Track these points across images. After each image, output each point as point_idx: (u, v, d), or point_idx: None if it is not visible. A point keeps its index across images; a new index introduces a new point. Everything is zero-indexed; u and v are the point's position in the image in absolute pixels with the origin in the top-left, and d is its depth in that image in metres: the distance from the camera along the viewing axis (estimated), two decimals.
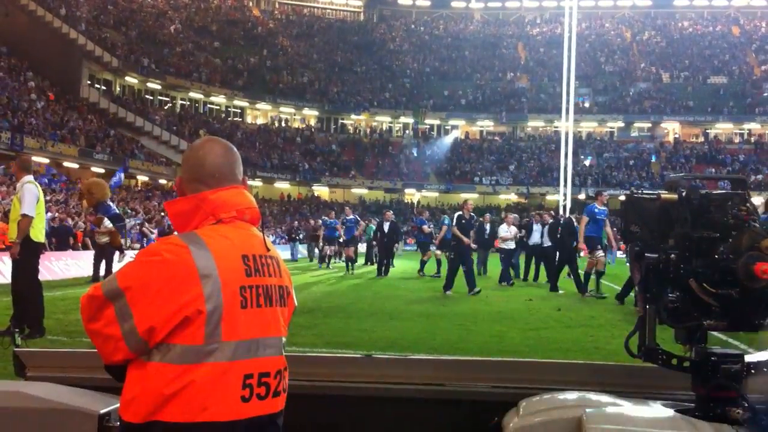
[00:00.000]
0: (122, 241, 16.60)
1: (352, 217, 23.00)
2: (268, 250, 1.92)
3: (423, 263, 20.54)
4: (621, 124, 63.23)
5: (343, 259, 23.17)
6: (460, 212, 14.82)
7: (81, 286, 14.04)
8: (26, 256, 7.68)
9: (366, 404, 2.42)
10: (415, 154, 63.32)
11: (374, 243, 23.25)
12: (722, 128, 61.75)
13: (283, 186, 57.99)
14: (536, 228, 17.99)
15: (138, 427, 1.69)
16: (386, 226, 20.23)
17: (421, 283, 17.95)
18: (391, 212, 22.76)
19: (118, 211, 16.66)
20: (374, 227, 25.03)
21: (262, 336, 1.81)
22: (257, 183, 55.20)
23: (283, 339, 1.90)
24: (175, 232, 1.87)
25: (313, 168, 58.44)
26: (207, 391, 1.68)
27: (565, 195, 37.41)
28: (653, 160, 59.01)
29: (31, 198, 7.63)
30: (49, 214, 19.75)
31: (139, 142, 47.90)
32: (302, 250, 33.25)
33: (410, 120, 65.02)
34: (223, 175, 1.89)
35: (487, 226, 19.92)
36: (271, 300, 1.86)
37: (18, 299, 7.75)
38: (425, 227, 20.53)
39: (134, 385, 1.71)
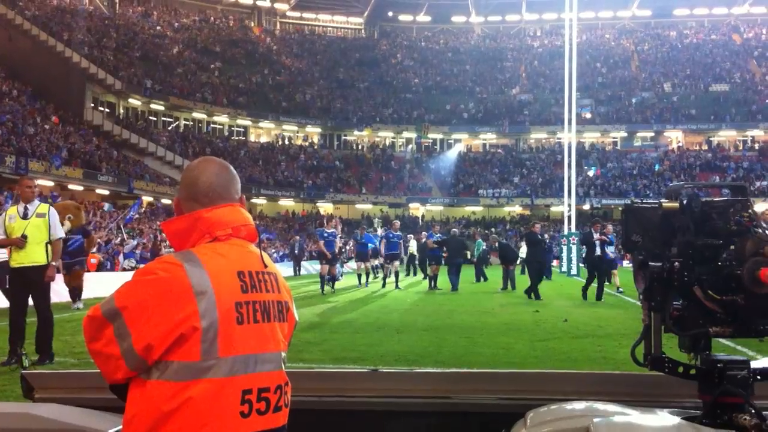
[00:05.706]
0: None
1: (333, 230, 19.54)
2: (266, 266, 1.93)
3: (431, 278, 20.54)
4: (624, 133, 63.24)
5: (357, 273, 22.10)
6: None
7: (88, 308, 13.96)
8: (48, 278, 7.83)
9: (373, 418, 2.42)
10: (419, 169, 63.39)
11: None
12: (725, 135, 61.72)
13: (287, 203, 58.07)
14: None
15: None
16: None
17: (427, 296, 17.92)
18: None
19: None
20: (482, 243, 24.95)
21: (260, 351, 1.81)
22: (261, 201, 55.29)
23: (283, 354, 1.91)
24: (172, 251, 1.89)
25: (317, 184, 58.55)
26: (205, 407, 1.69)
27: (569, 206, 37.36)
28: (657, 168, 58.95)
29: (58, 221, 8.06)
30: None
31: (143, 163, 48.11)
32: (309, 267, 33.20)
33: (413, 135, 65.12)
34: (217, 194, 1.91)
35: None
36: (269, 315, 1.86)
37: (47, 323, 7.77)
38: (429, 241, 21.01)
39: (134, 404, 1.72)
